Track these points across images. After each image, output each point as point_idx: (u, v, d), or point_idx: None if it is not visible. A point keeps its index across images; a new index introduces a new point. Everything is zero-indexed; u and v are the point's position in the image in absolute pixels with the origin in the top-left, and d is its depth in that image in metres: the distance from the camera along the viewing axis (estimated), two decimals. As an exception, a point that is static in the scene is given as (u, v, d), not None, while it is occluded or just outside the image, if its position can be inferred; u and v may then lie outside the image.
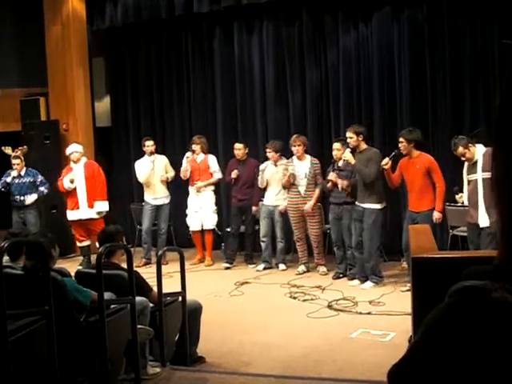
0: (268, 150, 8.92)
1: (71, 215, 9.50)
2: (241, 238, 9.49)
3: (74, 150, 9.52)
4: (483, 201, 6.63)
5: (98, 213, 9.47)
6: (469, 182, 6.86)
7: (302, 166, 8.62)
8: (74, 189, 9.39)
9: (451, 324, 0.79)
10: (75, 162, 9.48)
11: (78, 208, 9.42)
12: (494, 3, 8.47)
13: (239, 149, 9.20)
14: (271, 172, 8.95)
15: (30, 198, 9.41)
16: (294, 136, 8.69)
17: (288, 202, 8.77)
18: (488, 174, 6.51)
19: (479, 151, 6.75)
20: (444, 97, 8.90)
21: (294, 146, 8.56)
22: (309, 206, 8.56)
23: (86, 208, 9.41)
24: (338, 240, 8.32)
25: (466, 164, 6.96)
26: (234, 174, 9.12)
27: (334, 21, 9.50)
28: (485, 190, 6.59)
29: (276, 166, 8.92)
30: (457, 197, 7.20)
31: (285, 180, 8.62)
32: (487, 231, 6.61)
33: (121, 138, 11.20)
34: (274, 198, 9.00)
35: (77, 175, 9.40)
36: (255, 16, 10.00)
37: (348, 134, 7.83)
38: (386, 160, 7.49)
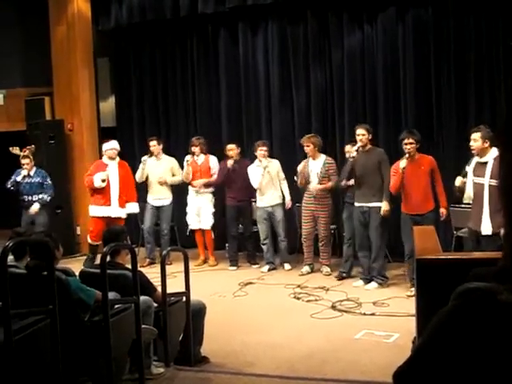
0: (265, 149, 8.95)
1: (99, 211, 9.35)
2: (241, 238, 9.49)
3: (113, 146, 9.46)
4: (488, 208, 6.33)
5: (128, 214, 9.49)
6: (474, 183, 6.52)
7: (315, 165, 8.61)
8: (107, 186, 9.32)
9: (457, 326, 0.79)
10: (110, 159, 9.43)
11: (108, 205, 9.32)
12: (499, 3, 8.45)
13: (231, 149, 9.20)
14: (267, 171, 8.94)
15: (34, 207, 9.39)
16: (305, 136, 8.68)
17: (303, 202, 8.75)
18: (495, 182, 6.13)
19: (492, 154, 6.36)
20: (449, 97, 8.89)
21: (304, 147, 8.57)
22: (315, 187, 8.52)
23: (117, 207, 9.36)
24: (350, 238, 8.28)
25: (474, 162, 6.59)
26: (229, 164, 9.07)
27: (338, 21, 9.49)
28: (491, 198, 6.27)
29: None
30: (459, 180, 6.70)
31: (299, 180, 8.62)
32: (490, 240, 6.28)
33: (125, 138, 11.19)
34: (271, 198, 9.00)
35: (111, 173, 9.33)
36: (260, 17, 10.00)
37: (360, 131, 7.80)
38: (406, 163, 7.33)
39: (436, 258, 3.90)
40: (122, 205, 9.40)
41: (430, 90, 9.01)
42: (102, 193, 9.33)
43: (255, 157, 9.09)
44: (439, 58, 8.91)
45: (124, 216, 9.42)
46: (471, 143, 6.54)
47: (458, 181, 6.74)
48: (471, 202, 6.64)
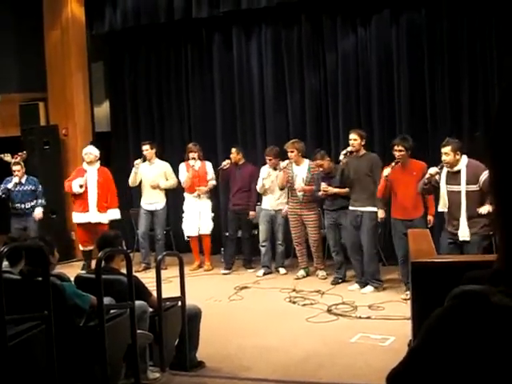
0: (268, 158, 8.91)
1: (79, 217, 9.45)
2: (239, 242, 9.49)
3: (88, 151, 9.53)
4: (466, 214, 6.48)
5: (110, 220, 9.48)
6: (449, 192, 6.62)
7: (300, 170, 8.63)
8: (85, 191, 9.37)
9: (450, 328, 0.79)
10: (88, 164, 9.47)
11: (87, 211, 9.39)
12: (492, 5, 8.48)
13: (232, 153, 9.27)
14: (270, 179, 8.95)
15: (37, 212, 9.40)
16: (289, 142, 8.69)
17: (288, 207, 8.79)
18: (471, 187, 6.44)
19: (463, 162, 6.57)
20: (443, 100, 8.91)
21: (288, 152, 8.59)
22: (303, 187, 8.52)
23: (96, 212, 9.39)
24: (336, 245, 8.29)
25: (444, 171, 6.69)
26: (223, 164, 9.11)
27: (332, 25, 9.51)
28: (468, 203, 6.47)
29: (275, 169, 8.93)
30: (435, 170, 6.72)
31: (280, 181, 8.65)
32: (475, 241, 6.44)
33: (120, 143, 11.20)
34: (276, 203, 9.01)
35: (89, 178, 9.38)
36: (254, 21, 10.00)
37: (352, 136, 7.79)
38: (390, 170, 7.32)
39: (431, 261, 3.90)
40: (101, 210, 9.41)
41: (424, 93, 9.03)
42: (80, 199, 9.43)
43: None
44: (433, 61, 8.93)
45: (105, 221, 9.43)
46: (443, 157, 6.61)
47: (433, 169, 6.75)
48: (446, 209, 6.71)
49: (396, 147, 7.37)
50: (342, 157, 7.79)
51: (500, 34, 8.44)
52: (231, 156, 9.27)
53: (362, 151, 7.87)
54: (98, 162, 9.59)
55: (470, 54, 8.71)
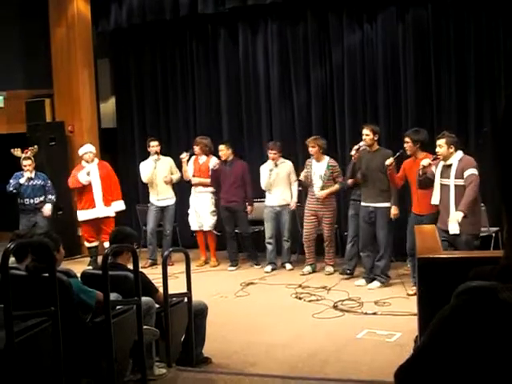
0: (274, 152, 8.92)
1: (85, 215, 9.51)
2: (239, 238, 9.49)
3: (88, 150, 9.60)
4: (454, 208, 6.54)
5: (116, 212, 9.55)
6: (441, 185, 6.73)
7: (319, 167, 8.61)
8: (89, 188, 9.43)
9: (458, 324, 0.79)
10: (89, 162, 9.53)
11: (93, 207, 9.45)
12: (499, 2, 8.45)
13: (221, 150, 9.19)
14: (275, 173, 8.95)
15: (47, 209, 9.39)
16: (311, 138, 8.69)
17: (306, 203, 8.76)
18: (459, 182, 6.54)
19: (457, 156, 6.67)
20: (449, 96, 8.88)
21: (309, 148, 8.58)
22: (323, 193, 8.51)
23: (103, 206, 9.46)
24: (354, 237, 8.25)
25: (440, 165, 6.78)
26: (212, 165, 9.10)
27: (338, 21, 9.48)
28: (456, 197, 6.53)
29: (276, 165, 8.94)
30: (428, 161, 6.87)
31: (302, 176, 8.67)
32: (464, 240, 6.52)
33: (126, 140, 11.21)
34: (280, 198, 9.00)
35: (92, 175, 9.45)
36: (260, 17, 9.99)
37: (365, 132, 7.79)
38: (391, 160, 7.41)
39: (437, 257, 3.90)
40: (107, 204, 9.50)
41: (430, 89, 9.00)
42: (85, 196, 9.51)
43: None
44: (439, 57, 8.90)
45: (112, 214, 9.54)
46: (437, 149, 6.77)
47: (426, 161, 6.87)
48: (438, 202, 6.81)
49: (404, 139, 7.42)
50: (353, 152, 7.78)
51: (507, 30, 8.40)
52: (221, 153, 9.18)
53: (375, 146, 7.85)
54: (95, 157, 9.68)
55: (477, 51, 8.67)
